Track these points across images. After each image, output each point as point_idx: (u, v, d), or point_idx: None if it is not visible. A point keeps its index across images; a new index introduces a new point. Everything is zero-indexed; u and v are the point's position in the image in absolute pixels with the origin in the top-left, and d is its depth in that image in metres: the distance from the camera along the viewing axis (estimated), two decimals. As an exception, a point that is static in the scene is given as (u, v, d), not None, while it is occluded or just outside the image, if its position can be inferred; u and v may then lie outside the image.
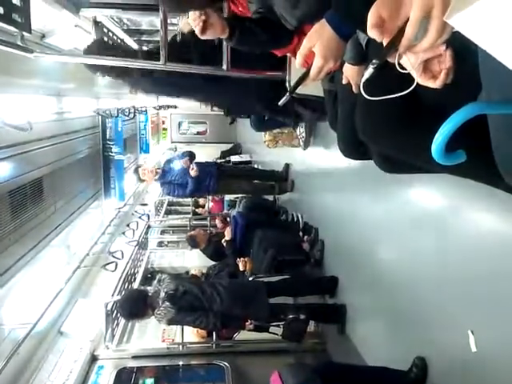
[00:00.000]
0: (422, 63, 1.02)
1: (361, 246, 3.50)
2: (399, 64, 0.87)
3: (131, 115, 7.94)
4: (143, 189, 10.19)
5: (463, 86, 0.91)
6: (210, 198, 8.92)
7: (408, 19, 0.77)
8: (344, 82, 1.41)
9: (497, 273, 1.87)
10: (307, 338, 3.93)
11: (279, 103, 1.29)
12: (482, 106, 0.76)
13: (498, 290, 1.86)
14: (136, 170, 5.92)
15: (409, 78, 1.04)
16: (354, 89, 1.41)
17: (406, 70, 0.89)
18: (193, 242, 5.61)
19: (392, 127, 1.29)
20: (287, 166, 6.22)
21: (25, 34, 2.43)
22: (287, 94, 1.25)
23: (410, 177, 2.58)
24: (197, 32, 1.55)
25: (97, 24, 3.67)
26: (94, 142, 7.16)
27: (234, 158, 10.00)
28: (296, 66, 1.17)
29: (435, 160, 0.75)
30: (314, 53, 1.14)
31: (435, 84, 1.01)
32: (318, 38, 1.10)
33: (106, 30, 3.90)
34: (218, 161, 9.08)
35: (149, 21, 5.17)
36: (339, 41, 1.10)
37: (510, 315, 1.79)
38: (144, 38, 6.16)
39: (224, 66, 2.45)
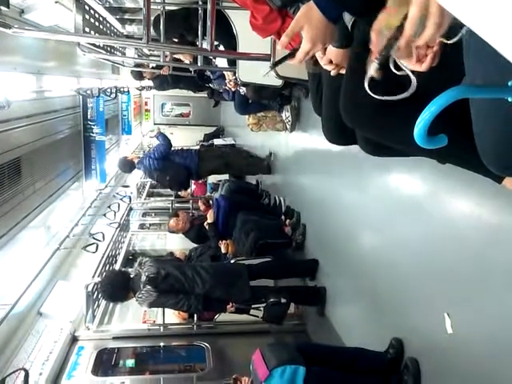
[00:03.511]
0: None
1: (342, 230, 3.53)
2: (396, 65, 0.86)
3: (113, 95, 7.81)
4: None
5: (447, 70, 0.92)
6: (193, 181, 8.88)
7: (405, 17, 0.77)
8: (323, 63, 1.40)
9: (473, 258, 1.91)
10: (287, 320, 3.98)
11: (262, 74, 1.28)
12: (465, 90, 0.76)
13: (474, 275, 1.90)
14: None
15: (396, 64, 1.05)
16: (334, 72, 1.40)
17: (402, 70, 0.88)
18: (172, 232, 5.66)
19: (375, 110, 1.29)
20: (271, 154, 6.29)
21: (2, 8, 2.35)
22: (269, 66, 1.24)
23: (392, 162, 2.61)
24: None
25: (78, 1, 3.57)
26: (74, 122, 7.04)
27: (218, 142, 9.95)
28: (279, 46, 1.16)
29: (416, 143, 0.76)
30: (298, 35, 1.13)
31: (421, 68, 1.01)
32: (306, 21, 1.07)
33: (87, 8, 3.81)
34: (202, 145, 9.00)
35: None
36: (328, 24, 1.08)
37: (486, 299, 1.84)
38: (127, 16, 6.05)
39: (208, 47, 2.42)
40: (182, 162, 5.81)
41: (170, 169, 5.71)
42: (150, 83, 8.40)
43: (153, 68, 6.85)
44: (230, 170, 6.72)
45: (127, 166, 5.98)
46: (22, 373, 3.22)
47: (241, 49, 3.59)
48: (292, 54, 1.15)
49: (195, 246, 5.43)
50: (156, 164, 5.64)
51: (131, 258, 6.53)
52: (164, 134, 5.94)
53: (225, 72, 5.26)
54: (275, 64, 1.22)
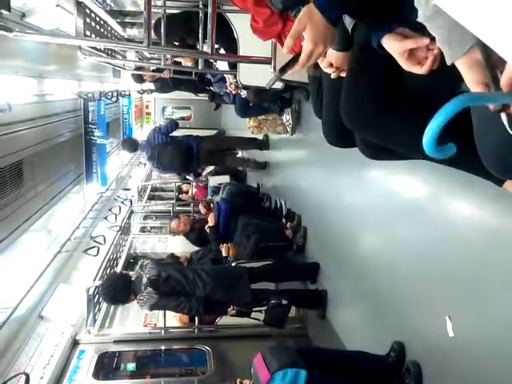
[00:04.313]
0: (407, 50, 1.03)
1: (343, 232, 3.53)
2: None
3: (114, 99, 7.83)
4: (126, 173, 10.11)
5: (448, 73, 0.92)
6: (194, 184, 8.89)
7: None
8: (323, 66, 1.40)
9: (474, 260, 1.91)
10: (288, 323, 3.96)
11: (266, 85, 1.27)
12: (474, 98, 0.75)
13: (475, 278, 1.90)
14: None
15: (396, 64, 1.04)
16: (335, 75, 1.40)
17: None
18: (173, 233, 5.74)
19: (375, 112, 1.29)
20: (266, 137, 6.43)
21: (4, 12, 2.36)
22: (275, 75, 1.24)
23: (393, 165, 2.61)
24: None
25: (79, 4, 3.58)
26: (75, 126, 7.06)
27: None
28: (284, 49, 1.15)
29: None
30: (300, 39, 1.13)
31: (421, 70, 1.01)
32: (308, 22, 1.07)
33: (88, 11, 3.82)
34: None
35: (132, 2, 5.08)
36: (328, 26, 1.08)
37: (487, 302, 1.84)
38: (128, 19, 6.07)
39: (208, 50, 2.42)
40: (185, 139, 6.11)
41: (173, 144, 5.93)
42: (151, 86, 8.42)
43: (153, 71, 6.86)
44: (228, 150, 6.89)
45: (130, 144, 6.25)
46: (23, 377, 3.21)
47: (241, 52, 3.60)
48: (295, 58, 1.14)
49: (196, 249, 5.43)
50: (160, 139, 5.85)
51: (132, 261, 6.52)
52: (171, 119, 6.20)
53: (225, 75, 5.27)
54: (280, 72, 1.21)
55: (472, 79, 0.81)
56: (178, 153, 5.92)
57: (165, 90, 7.87)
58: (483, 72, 0.79)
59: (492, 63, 0.75)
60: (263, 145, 6.46)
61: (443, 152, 0.72)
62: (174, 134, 6.18)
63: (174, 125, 6.02)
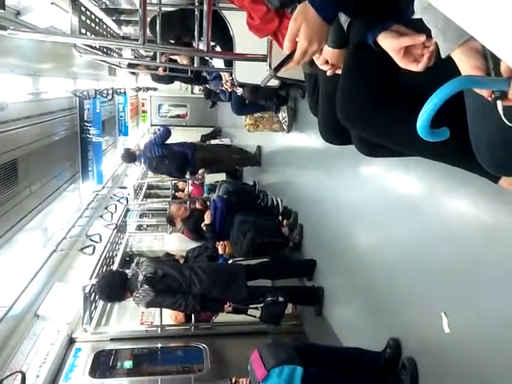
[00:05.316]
0: (403, 47, 1.03)
1: (339, 230, 3.54)
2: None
3: (109, 97, 7.80)
4: (122, 171, 10.07)
5: (445, 70, 0.92)
6: (190, 182, 8.88)
7: None
8: (319, 63, 1.40)
9: (469, 257, 1.92)
10: (285, 320, 3.98)
11: (261, 83, 1.28)
12: (466, 81, 0.75)
13: (470, 274, 1.91)
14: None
15: (392, 62, 1.05)
16: (330, 72, 1.41)
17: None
18: (170, 221, 5.92)
19: (371, 109, 1.29)
20: (259, 148, 6.70)
21: (-2, 9, 2.35)
22: (269, 73, 1.24)
23: (388, 162, 2.62)
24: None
25: (74, 2, 3.57)
26: (71, 124, 7.02)
27: (215, 142, 9.96)
28: (283, 50, 1.16)
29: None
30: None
31: (417, 67, 1.02)
32: (303, 20, 1.08)
33: (83, 9, 3.80)
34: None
35: (128, -1, 5.07)
36: (323, 24, 1.08)
37: (483, 299, 1.85)
38: (123, 17, 6.05)
39: (204, 48, 2.41)
40: (180, 149, 6.39)
41: (169, 155, 6.22)
42: (148, 83, 8.40)
43: (147, 68, 6.84)
44: (221, 162, 7.20)
45: (129, 156, 6.55)
46: (19, 375, 3.21)
47: (237, 49, 3.59)
48: (290, 56, 1.15)
49: (192, 247, 5.43)
50: (157, 151, 6.16)
51: (128, 259, 6.51)
52: (164, 126, 6.62)
53: (221, 73, 5.26)
54: (275, 70, 1.21)
55: (469, 65, 0.80)
56: (175, 165, 6.32)
57: (160, 82, 7.96)
58: (480, 58, 0.79)
59: None
60: (256, 161, 6.79)
61: (437, 136, 0.72)
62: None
63: (167, 134, 6.30)
